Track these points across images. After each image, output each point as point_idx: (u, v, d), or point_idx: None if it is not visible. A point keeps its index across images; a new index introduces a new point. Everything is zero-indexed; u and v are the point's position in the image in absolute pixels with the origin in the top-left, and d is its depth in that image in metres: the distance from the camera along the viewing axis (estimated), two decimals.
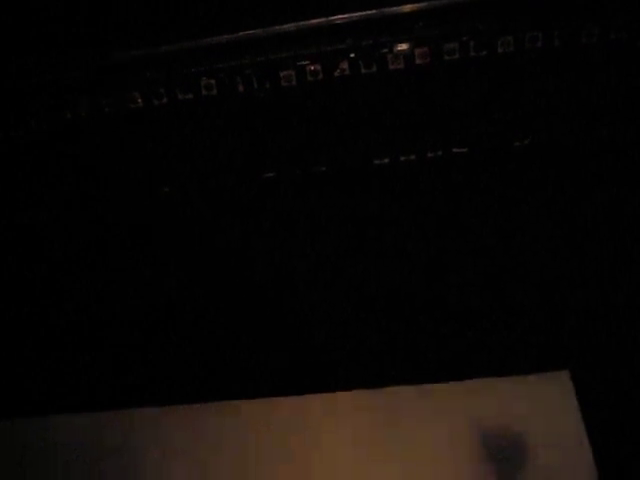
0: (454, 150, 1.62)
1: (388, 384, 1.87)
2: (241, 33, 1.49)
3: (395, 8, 1.45)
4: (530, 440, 1.68)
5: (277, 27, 1.48)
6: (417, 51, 1.47)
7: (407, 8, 1.45)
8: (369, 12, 1.45)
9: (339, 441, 1.80)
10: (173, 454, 1.85)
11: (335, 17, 1.46)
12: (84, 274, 1.90)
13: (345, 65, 1.49)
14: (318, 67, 1.50)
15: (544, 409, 1.73)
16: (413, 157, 1.64)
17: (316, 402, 1.88)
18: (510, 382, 1.79)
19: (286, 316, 1.91)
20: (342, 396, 1.88)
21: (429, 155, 1.63)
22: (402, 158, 1.64)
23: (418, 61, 1.48)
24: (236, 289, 1.88)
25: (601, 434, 1.66)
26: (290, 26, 1.47)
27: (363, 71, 1.49)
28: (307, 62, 1.49)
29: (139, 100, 1.55)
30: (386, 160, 1.64)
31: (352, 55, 1.48)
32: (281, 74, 1.51)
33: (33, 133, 1.60)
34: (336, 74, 1.50)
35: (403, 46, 1.47)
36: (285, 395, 1.90)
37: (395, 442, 1.76)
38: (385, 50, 1.47)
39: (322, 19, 1.47)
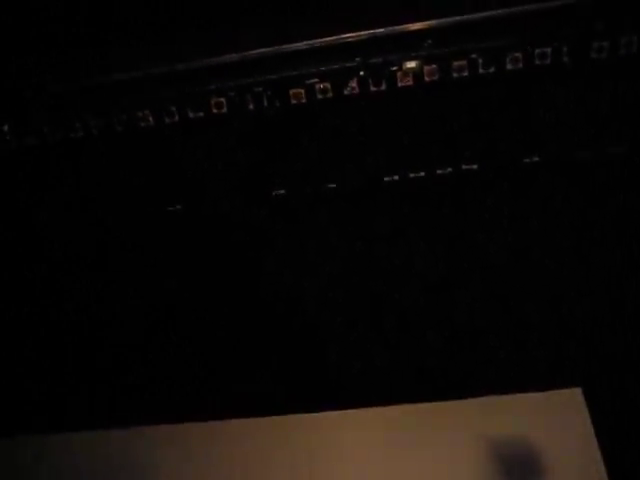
0: (463, 167, 1.63)
1: (398, 402, 1.86)
2: (251, 52, 1.50)
3: (404, 26, 1.46)
4: (543, 457, 1.67)
5: (287, 45, 1.49)
6: (426, 68, 1.47)
7: (416, 26, 1.46)
8: (378, 30, 1.46)
9: (348, 459, 1.79)
10: (174, 473, 1.84)
11: (344, 35, 1.47)
12: (92, 292, 1.90)
13: (354, 83, 1.50)
14: (327, 85, 1.51)
15: (557, 426, 1.72)
16: (422, 174, 1.64)
17: (325, 420, 1.88)
18: (523, 400, 1.78)
19: (295, 334, 1.91)
20: (352, 414, 1.87)
21: (438, 172, 1.64)
22: (411, 175, 1.64)
23: (427, 78, 1.48)
24: (244, 306, 1.88)
25: (614, 451, 1.65)
26: (299, 44, 1.49)
27: (372, 89, 1.50)
28: (316, 80, 1.50)
29: (150, 118, 1.57)
30: (396, 177, 1.65)
31: (361, 73, 1.49)
32: (291, 92, 1.52)
33: (45, 150, 1.62)
34: (345, 92, 1.51)
35: (412, 64, 1.48)
36: (294, 413, 1.89)
37: (406, 460, 1.75)
38: (394, 68, 1.48)
39: (331, 37, 1.48)
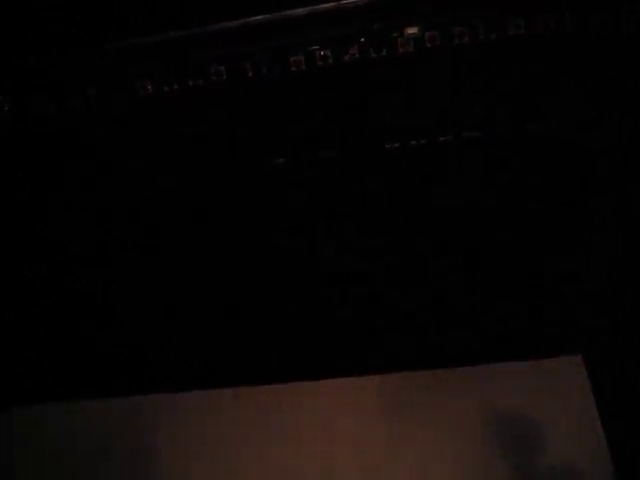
0: (465, 134, 1.62)
1: (402, 369, 1.87)
2: (250, 18, 1.48)
3: None
4: (543, 424, 1.68)
5: (286, 12, 1.47)
6: (427, 35, 1.46)
7: None
8: None
9: (350, 425, 1.81)
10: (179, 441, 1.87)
11: (344, 1, 1.46)
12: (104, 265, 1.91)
13: (355, 49, 1.49)
14: (328, 52, 1.49)
15: (557, 393, 1.73)
16: (424, 141, 1.63)
17: (330, 387, 1.89)
18: (523, 367, 1.78)
19: (298, 302, 1.91)
20: (354, 381, 1.88)
21: (440, 139, 1.63)
22: (413, 142, 1.63)
23: (428, 44, 1.47)
24: (242, 277, 1.88)
25: (613, 418, 1.66)
26: (299, 11, 1.47)
27: (373, 55, 1.49)
28: (317, 47, 1.49)
29: (149, 87, 1.56)
30: (397, 145, 1.64)
31: (362, 39, 1.48)
32: (291, 59, 1.51)
33: (42, 121, 1.62)
34: (346, 58, 1.50)
35: (413, 30, 1.46)
36: (301, 380, 1.90)
37: (409, 427, 1.77)
38: (395, 34, 1.47)
39: (331, 3, 1.46)
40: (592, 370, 1.74)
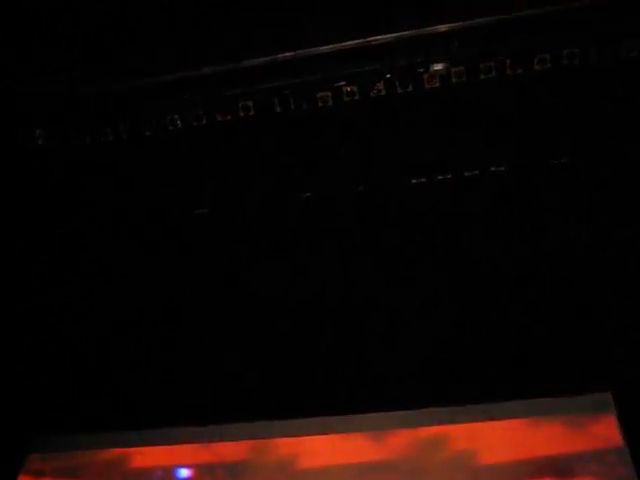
0: (491, 169, 1.62)
1: (430, 405, 1.85)
2: (278, 55, 1.51)
3: (430, 28, 1.46)
4: (572, 460, 1.66)
5: (313, 49, 1.50)
6: (453, 70, 1.47)
7: (442, 28, 1.46)
8: (404, 33, 1.46)
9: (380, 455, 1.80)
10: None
11: (371, 38, 1.48)
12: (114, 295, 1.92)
13: (381, 85, 1.50)
14: (354, 88, 1.51)
15: (586, 431, 1.70)
16: (450, 176, 1.64)
17: (364, 421, 1.87)
18: (552, 404, 1.76)
19: (326, 339, 1.90)
20: (382, 417, 1.87)
21: (466, 174, 1.63)
22: (439, 177, 1.64)
23: (454, 80, 1.48)
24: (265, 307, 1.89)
25: None
26: (326, 48, 1.49)
27: (399, 91, 1.50)
28: (343, 83, 1.51)
29: (178, 122, 1.58)
30: (423, 179, 1.65)
31: (388, 75, 1.49)
32: (318, 95, 1.52)
33: (75, 154, 1.65)
34: (372, 94, 1.51)
35: (439, 66, 1.48)
36: (328, 415, 1.89)
37: (434, 461, 1.75)
38: (421, 70, 1.48)
39: (358, 40, 1.48)
40: (622, 407, 1.71)
